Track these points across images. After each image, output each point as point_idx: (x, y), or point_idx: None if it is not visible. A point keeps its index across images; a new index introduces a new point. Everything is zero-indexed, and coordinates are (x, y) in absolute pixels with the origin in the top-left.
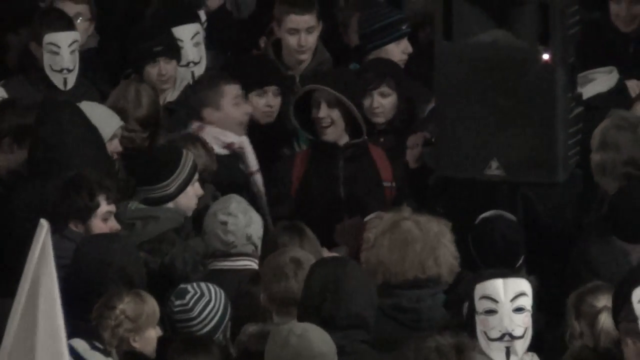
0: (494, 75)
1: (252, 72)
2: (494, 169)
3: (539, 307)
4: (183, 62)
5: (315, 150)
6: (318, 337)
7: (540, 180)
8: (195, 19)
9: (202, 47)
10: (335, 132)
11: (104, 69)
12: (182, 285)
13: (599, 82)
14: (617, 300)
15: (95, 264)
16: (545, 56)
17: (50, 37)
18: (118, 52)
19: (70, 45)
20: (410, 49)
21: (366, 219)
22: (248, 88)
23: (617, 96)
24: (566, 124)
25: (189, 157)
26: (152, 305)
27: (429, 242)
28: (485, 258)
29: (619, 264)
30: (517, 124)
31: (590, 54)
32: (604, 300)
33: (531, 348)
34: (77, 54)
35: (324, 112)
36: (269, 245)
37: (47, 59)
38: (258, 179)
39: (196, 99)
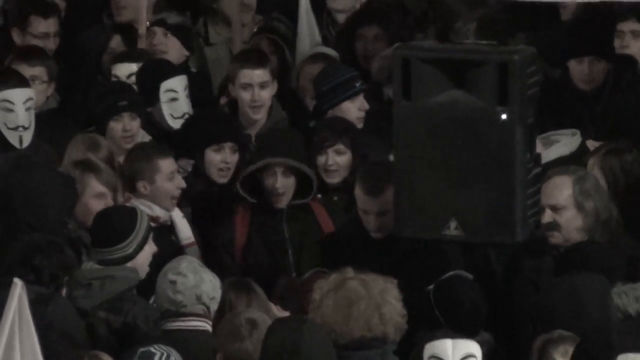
0: (453, 135)
1: (209, 127)
2: (452, 229)
3: None
4: (178, 114)
5: (257, 213)
6: None
7: (499, 240)
8: (183, 71)
9: (189, 100)
10: (287, 199)
11: (64, 130)
12: (142, 349)
13: (562, 144)
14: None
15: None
16: (504, 116)
17: (4, 94)
18: (80, 112)
19: (25, 102)
20: (366, 106)
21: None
22: (205, 143)
23: (578, 159)
24: (525, 184)
25: (144, 216)
26: None
27: (374, 300)
28: (453, 320)
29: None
30: (476, 184)
31: (549, 114)
32: (566, 356)
33: None
34: (32, 112)
35: (280, 182)
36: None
37: (1, 117)
38: (194, 251)
39: (130, 171)
